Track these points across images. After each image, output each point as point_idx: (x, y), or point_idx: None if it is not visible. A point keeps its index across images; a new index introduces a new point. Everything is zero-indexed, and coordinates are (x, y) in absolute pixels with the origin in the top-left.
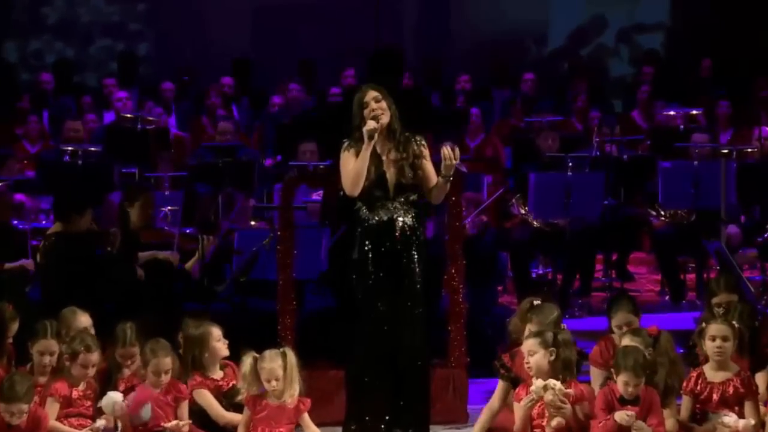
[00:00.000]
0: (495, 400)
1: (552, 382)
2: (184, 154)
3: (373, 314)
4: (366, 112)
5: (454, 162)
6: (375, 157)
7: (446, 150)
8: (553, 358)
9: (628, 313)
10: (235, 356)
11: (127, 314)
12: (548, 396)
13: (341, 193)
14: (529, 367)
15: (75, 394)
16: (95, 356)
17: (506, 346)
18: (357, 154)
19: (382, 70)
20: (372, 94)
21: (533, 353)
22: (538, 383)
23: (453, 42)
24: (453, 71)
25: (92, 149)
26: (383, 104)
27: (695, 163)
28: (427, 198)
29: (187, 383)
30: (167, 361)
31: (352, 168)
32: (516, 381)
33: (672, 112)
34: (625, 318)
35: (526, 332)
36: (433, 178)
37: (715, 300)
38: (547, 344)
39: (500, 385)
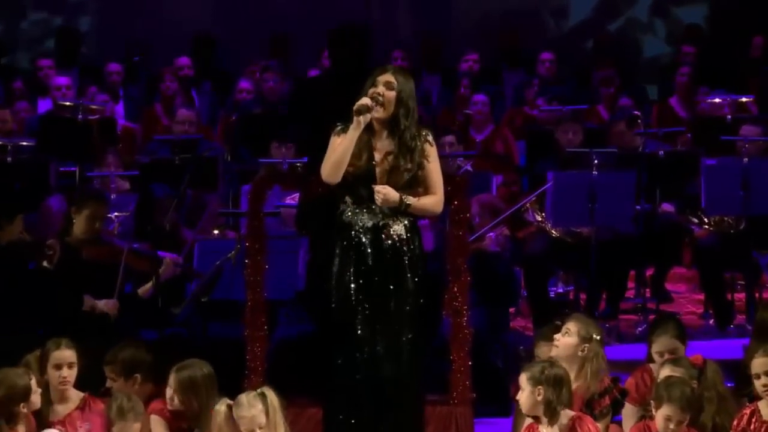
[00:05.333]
0: None
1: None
2: (133, 149)
3: (351, 340)
4: (370, 91)
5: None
6: (369, 148)
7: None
8: (540, 398)
9: (673, 338)
10: None
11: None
12: None
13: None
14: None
15: None
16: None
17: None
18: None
19: (341, 49)
20: (387, 78)
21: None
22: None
23: (456, 15)
24: (455, 50)
25: (24, 143)
26: (390, 95)
27: (745, 160)
28: None
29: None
30: (135, 428)
31: (334, 150)
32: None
33: (717, 100)
34: (669, 344)
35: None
36: (436, 184)
37: None
38: (537, 381)
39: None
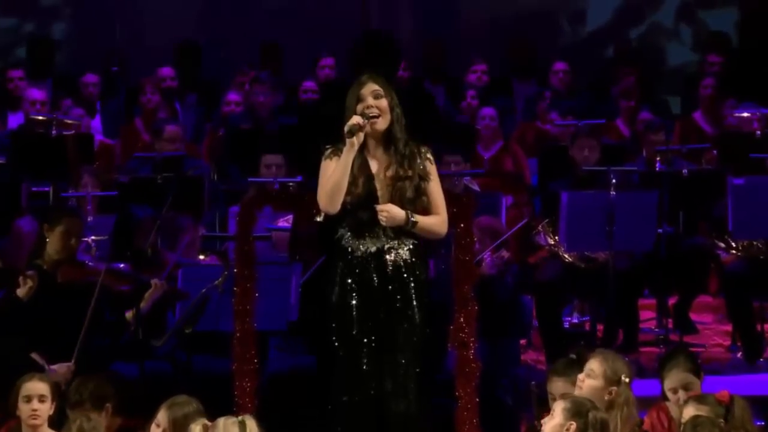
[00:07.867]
0: None
1: None
2: (112, 167)
3: (357, 376)
4: (359, 107)
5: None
6: (365, 170)
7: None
8: None
9: (685, 372)
10: None
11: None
12: None
13: (318, 218)
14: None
15: None
16: None
17: (532, 416)
18: None
19: (371, 61)
20: (371, 87)
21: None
22: None
23: (462, 20)
24: (461, 58)
25: None
26: (383, 103)
27: None
28: None
29: None
30: None
31: (330, 177)
32: None
33: (745, 114)
34: (682, 378)
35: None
36: (439, 204)
37: None
38: (575, 416)
39: None
